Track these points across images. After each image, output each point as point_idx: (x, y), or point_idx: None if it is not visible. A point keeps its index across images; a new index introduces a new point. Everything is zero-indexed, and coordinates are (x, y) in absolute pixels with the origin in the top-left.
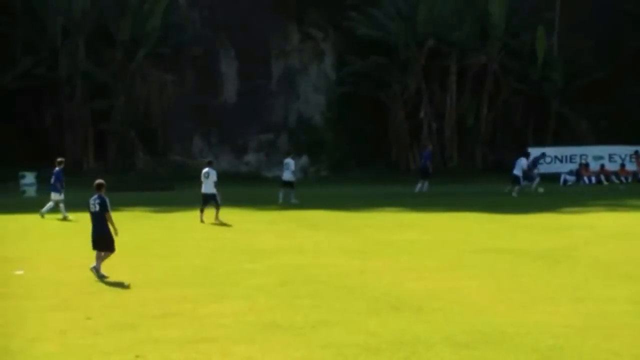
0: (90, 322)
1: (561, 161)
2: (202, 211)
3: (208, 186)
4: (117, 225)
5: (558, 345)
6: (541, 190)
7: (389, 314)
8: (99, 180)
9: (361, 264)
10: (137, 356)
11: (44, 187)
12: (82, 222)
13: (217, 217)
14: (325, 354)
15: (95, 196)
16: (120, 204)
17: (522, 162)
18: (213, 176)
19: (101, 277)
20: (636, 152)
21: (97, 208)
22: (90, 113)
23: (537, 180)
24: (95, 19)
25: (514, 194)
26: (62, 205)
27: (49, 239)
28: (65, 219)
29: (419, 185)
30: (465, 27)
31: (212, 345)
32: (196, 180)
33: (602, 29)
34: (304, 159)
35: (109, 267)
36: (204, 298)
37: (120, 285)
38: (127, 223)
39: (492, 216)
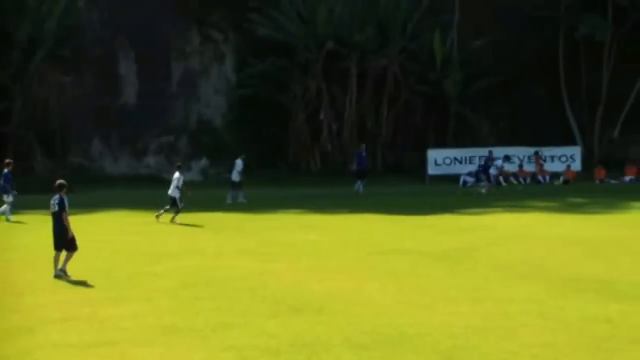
0: None
1: (460, 162)
2: (169, 212)
3: (171, 189)
4: (32, 228)
5: (458, 345)
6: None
7: (290, 315)
8: (59, 181)
9: (262, 265)
10: None
11: None
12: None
13: (172, 219)
14: (226, 356)
15: (56, 196)
16: (20, 207)
17: (498, 163)
18: (176, 180)
19: (61, 275)
20: (536, 152)
21: (56, 208)
22: None
23: (485, 182)
24: None
25: (483, 191)
26: (7, 207)
27: None
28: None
29: (361, 185)
30: (365, 29)
31: (112, 349)
32: (96, 182)
33: (500, 30)
34: (204, 161)
35: (10, 269)
36: (104, 301)
37: (19, 288)
38: (27, 226)
39: (392, 217)
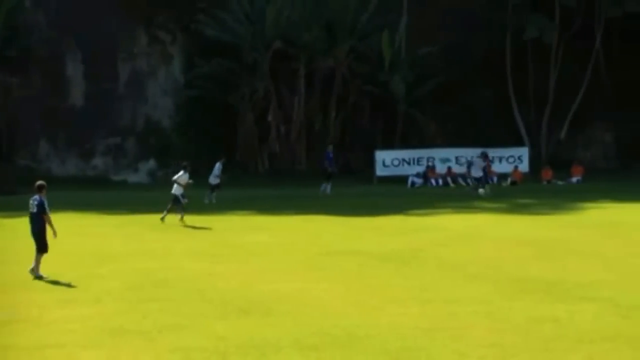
0: None
1: (409, 163)
2: (168, 210)
3: (174, 187)
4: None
5: (406, 346)
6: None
7: (238, 317)
8: (39, 182)
9: (210, 267)
10: None
11: None
12: None
13: (180, 218)
14: (173, 358)
15: (36, 197)
16: None
17: (479, 162)
18: (179, 179)
19: (38, 278)
20: (483, 153)
21: (35, 209)
22: None
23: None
24: None
25: (481, 192)
26: None
27: None
28: None
29: (322, 186)
30: (314, 30)
31: (59, 351)
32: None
33: (448, 31)
34: (152, 163)
35: None
36: (51, 303)
37: None
38: None
39: (340, 219)
